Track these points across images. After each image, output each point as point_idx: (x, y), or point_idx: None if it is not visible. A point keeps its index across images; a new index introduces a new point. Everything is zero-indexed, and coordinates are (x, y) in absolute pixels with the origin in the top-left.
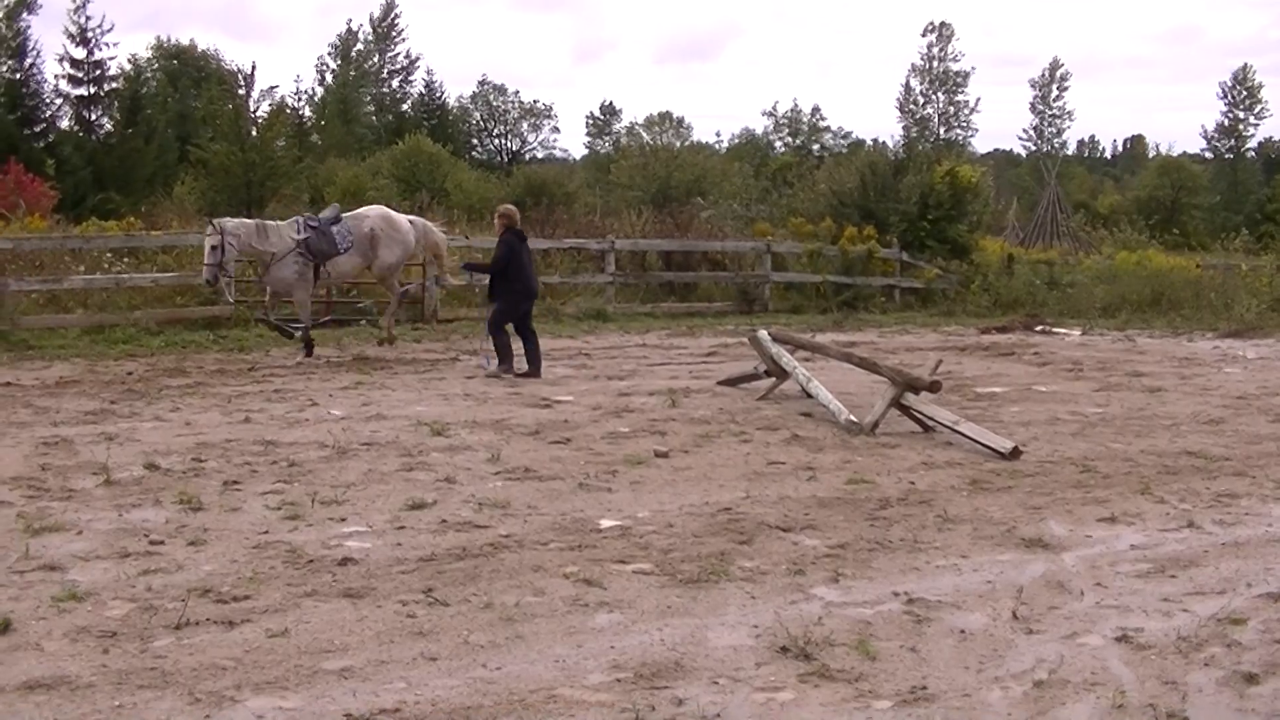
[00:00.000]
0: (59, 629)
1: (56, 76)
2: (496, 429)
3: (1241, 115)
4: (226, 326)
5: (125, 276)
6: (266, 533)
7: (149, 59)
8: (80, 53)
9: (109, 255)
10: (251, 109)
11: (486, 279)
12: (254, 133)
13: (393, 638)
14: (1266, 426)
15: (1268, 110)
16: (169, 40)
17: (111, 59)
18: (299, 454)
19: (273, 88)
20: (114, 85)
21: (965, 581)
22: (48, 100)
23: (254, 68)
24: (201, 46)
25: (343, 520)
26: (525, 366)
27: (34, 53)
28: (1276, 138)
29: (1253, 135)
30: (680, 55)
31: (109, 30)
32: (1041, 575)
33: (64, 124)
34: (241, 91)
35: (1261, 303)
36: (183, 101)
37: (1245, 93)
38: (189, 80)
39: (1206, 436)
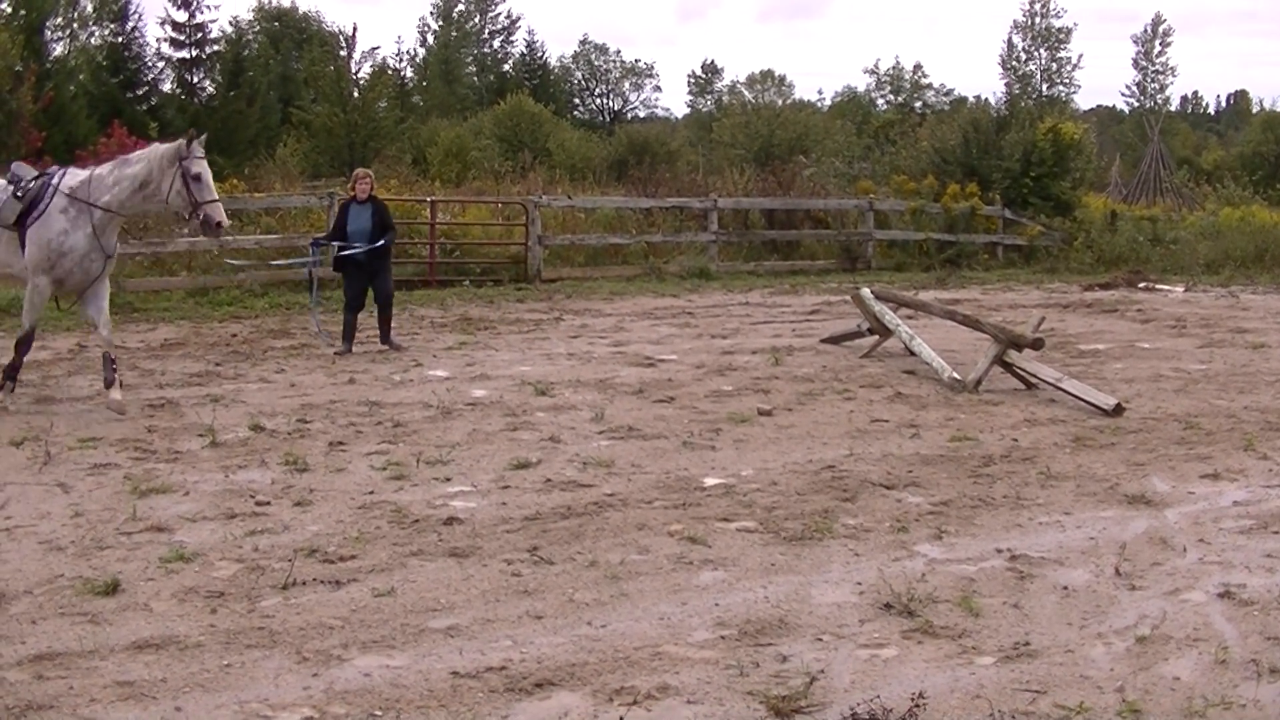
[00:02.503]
0: (167, 589)
1: (158, 40)
2: (600, 388)
3: None
4: (331, 288)
5: (229, 239)
6: (372, 493)
7: (250, 21)
8: (181, 16)
9: None
10: (353, 70)
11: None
12: (356, 94)
13: (498, 596)
14: None
15: None
16: (270, 2)
17: (213, 21)
18: (403, 414)
19: (374, 49)
20: (216, 48)
21: (1068, 538)
22: (150, 63)
23: (355, 29)
24: (303, 8)
25: (448, 480)
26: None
27: (135, 16)
28: None
29: None
30: (784, 13)
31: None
32: (1144, 532)
33: (166, 87)
34: (343, 53)
35: None
36: (284, 64)
37: None
38: (290, 42)
39: None
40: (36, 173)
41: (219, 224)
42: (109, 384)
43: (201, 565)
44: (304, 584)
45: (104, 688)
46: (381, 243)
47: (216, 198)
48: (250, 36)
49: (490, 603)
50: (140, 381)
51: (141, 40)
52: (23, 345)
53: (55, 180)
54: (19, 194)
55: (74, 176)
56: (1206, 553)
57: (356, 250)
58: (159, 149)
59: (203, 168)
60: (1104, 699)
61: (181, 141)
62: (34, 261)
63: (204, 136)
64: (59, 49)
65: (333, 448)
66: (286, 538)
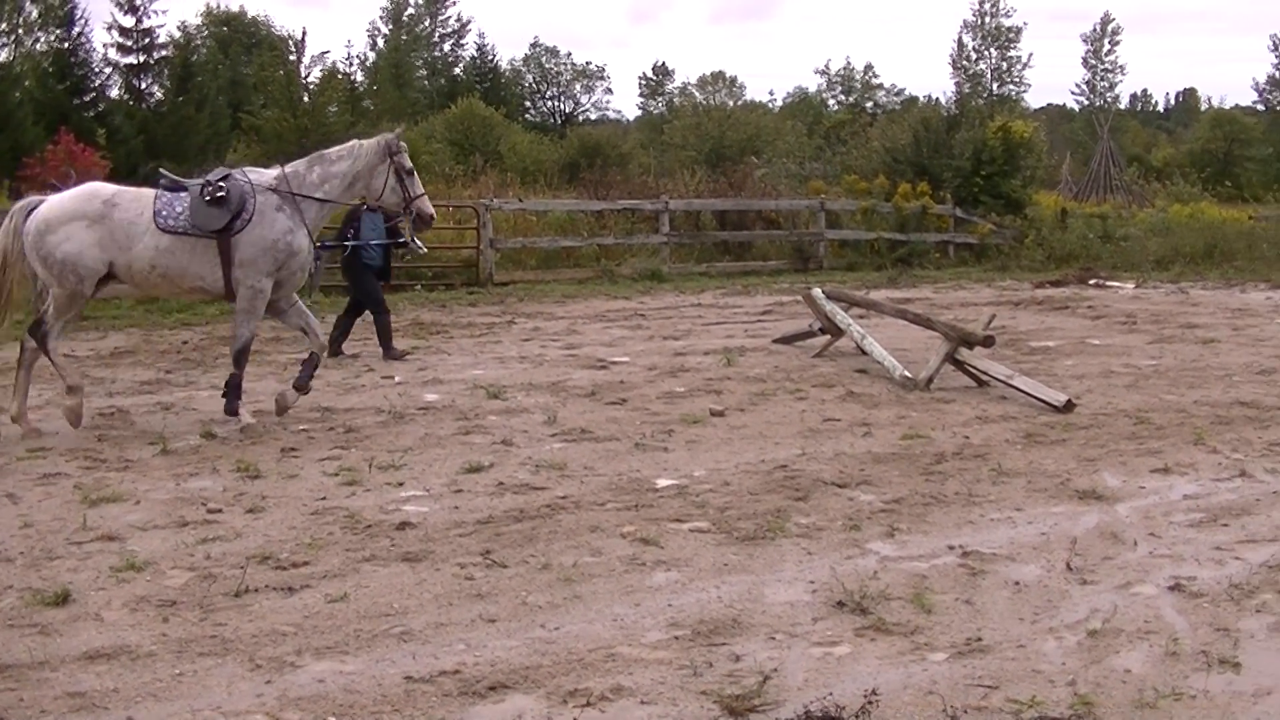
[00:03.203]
0: (118, 599)
1: (105, 45)
2: (553, 391)
3: None
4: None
5: None
6: (324, 499)
7: (199, 26)
8: (129, 21)
9: None
10: (303, 75)
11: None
12: (306, 99)
13: (451, 600)
14: None
15: None
16: (219, 7)
17: (161, 27)
18: (356, 420)
19: (324, 53)
20: (164, 53)
21: (1020, 534)
22: (97, 69)
23: (305, 33)
24: (252, 13)
25: (400, 485)
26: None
27: (82, 22)
28: None
29: None
30: (735, 14)
31: None
32: (1095, 526)
33: (114, 93)
34: (293, 57)
35: None
36: (234, 68)
37: None
38: (240, 47)
39: (1259, 386)
40: (220, 174)
41: (431, 217)
42: (301, 386)
43: (153, 574)
44: (256, 591)
45: (55, 699)
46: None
47: (424, 191)
48: (199, 41)
49: (443, 607)
50: (91, 390)
51: (88, 46)
52: (244, 356)
53: (248, 180)
54: (212, 197)
55: (263, 176)
56: (1157, 546)
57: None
58: (362, 145)
59: (410, 162)
60: (1056, 692)
61: (390, 137)
62: (255, 265)
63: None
64: (3, 55)
65: (285, 454)
66: (239, 545)
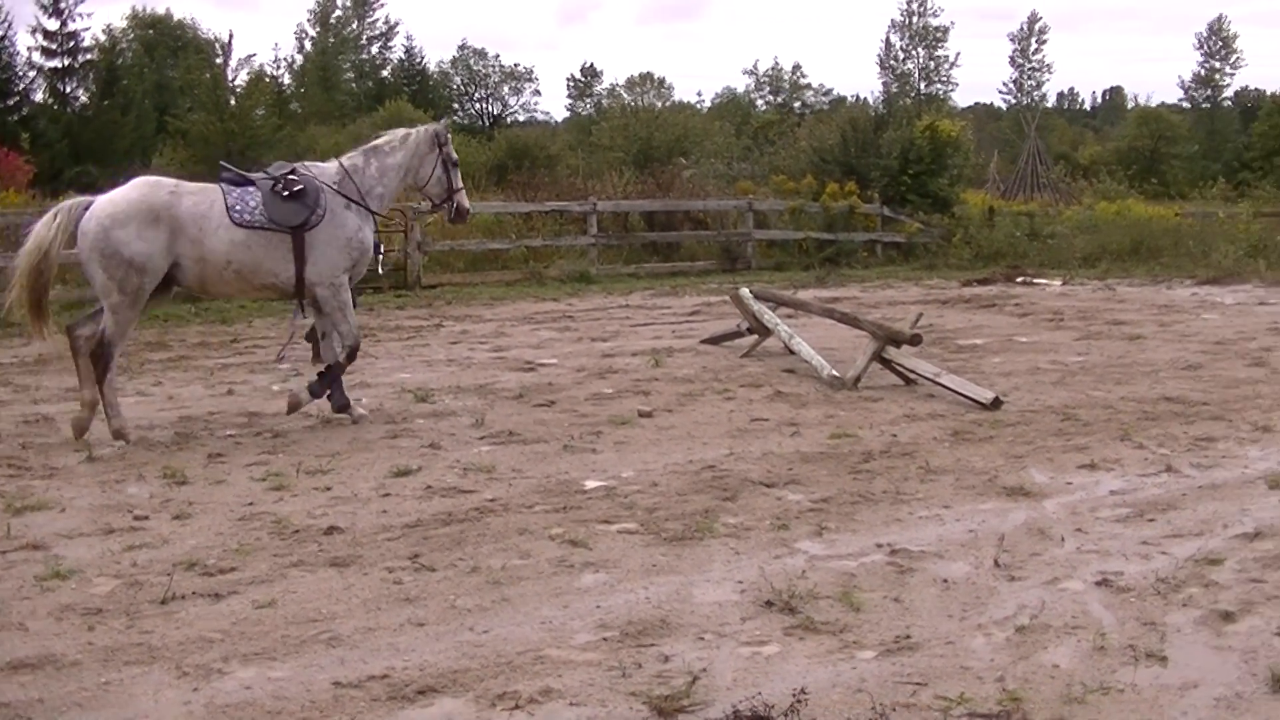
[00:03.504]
0: (43, 608)
1: (29, 49)
2: (481, 393)
3: (1218, 65)
4: (208, 299)
5: None
6: (252, 504)
7: (124, 29)
8: (53, 24)
9: None
10: (230, 78)
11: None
12: (233, 102)
13: (380, 605)
14: (1243, 371)
15: (1243, 60)
16: (145, 10)
17: (86, 30)
18: (283, 424)
19: (251, 56)
20: (89, 57)
21: (948, 531)
22: (20, 73)
23: (231, 36)
24: (178, 16)
25: (328, 489)
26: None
27: (5, 25)
28: (1253, 87)
29: (1229, 85)
30: (663, 15)
31: (82, 1)
32: (1023, 523)
33: (38, 97)
34: (219, 60)
35: (1239, 249)
36: (160, 72)
37: (1221, 43)
38: (166, 50)
39: (1185, 382)
40: (284, 169)
41: (468, 211)
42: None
43: (79, 582)
44: (184, 598)
45: None
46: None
47: (463, 186)
48: (124, 45)
49: (372, 611)
50: (14, 397)
51: (11, 49)
52: (355, 353)
53: (312, 175)
54: (289, 192)
55: (324, 170)
56: (1084, 542)
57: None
58: (412, 134)
59: (455, 154)
60: (984, 689)
61: (438, 126)
62: (333, 263)
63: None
64: None
65: (212, 460)
66: (165, 552)
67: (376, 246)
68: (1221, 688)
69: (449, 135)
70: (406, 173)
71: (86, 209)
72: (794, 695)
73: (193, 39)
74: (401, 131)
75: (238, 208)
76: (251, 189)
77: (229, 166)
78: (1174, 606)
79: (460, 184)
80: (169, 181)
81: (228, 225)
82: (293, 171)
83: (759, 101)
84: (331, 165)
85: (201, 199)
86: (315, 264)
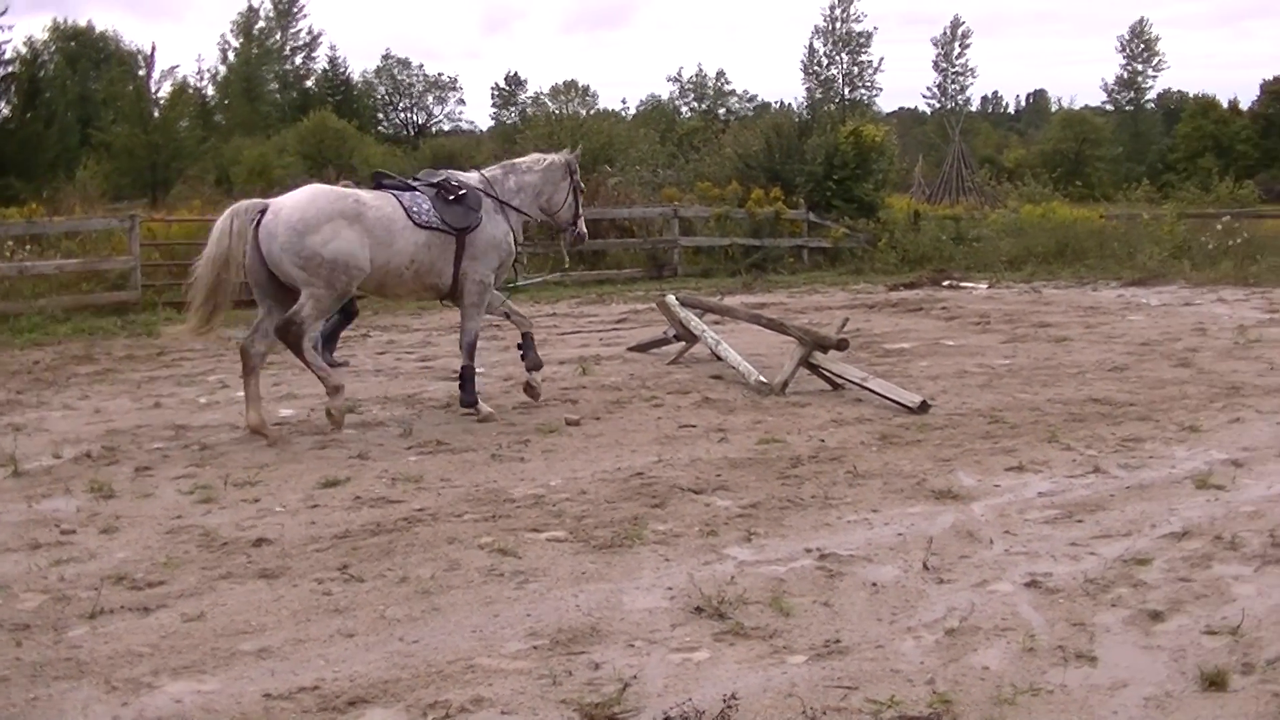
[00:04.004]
0: None
1: None
2: (408, 403)
3: (1140, 68)
4: (135, 311)
5: (29, 264)
6: (180, 517)
7: (46, 41)
8: None
9: (10, 243)
10: (153, 90)
11: None
12: (157, 114)
13: (309, 616)
14: (1169, 371)
15: (1165, 63)
16: (67, 22)
17: (6, 42)
18: (211, 437)
19: (174, 68)
20: (10, 69)
21: (876, 535)
22: None
23: (154, 48)
24: (100, 28)
25: (256, 501)
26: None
27: None
28: (1175, 89)
29: (1151, 87)
30: (587, 23)
31: (2, 13)
32: (951, 526)
33: None
34: (142, 72)
35: (1164, 250)
36: (83, 84)
37: (1143, 46)
38: (88, 62)
39: (1112, 383)
40: (435, 176)
41: (585, 236)
42: (534, 365)
43: (5, 597)
44: (112, 612)
45: None
46: None
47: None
48: (46, 57)
49: (301, 623)
50: None
51: None
52: (474, 348)
53: (465, 183)
54: (456, 196)
55: (467, 179)
56: (1013, 544)
57: None
58: (550, 159)
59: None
60: (915, 691)
61: (571, 156)
62: (484, 262)
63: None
64: None
65: (139, 473)
66: (93, 566)
67: (517, 256)
68: (1151, 687)
69: (578, 164)
70: (539, 194)
71: (261, 212)
72: (724, 701)
73: (115, 51)
74: (539, 155)
75: (415, 210)
76: (417, 194)
77: (389, 174)
78: (1103, 607)
79: (581, 210)
80: (337, 189)
81: (411, 227)
82: (448, 178)
83: (683, 108)
84: (473, 176)
85: (382, 203)
86: (471, 262)
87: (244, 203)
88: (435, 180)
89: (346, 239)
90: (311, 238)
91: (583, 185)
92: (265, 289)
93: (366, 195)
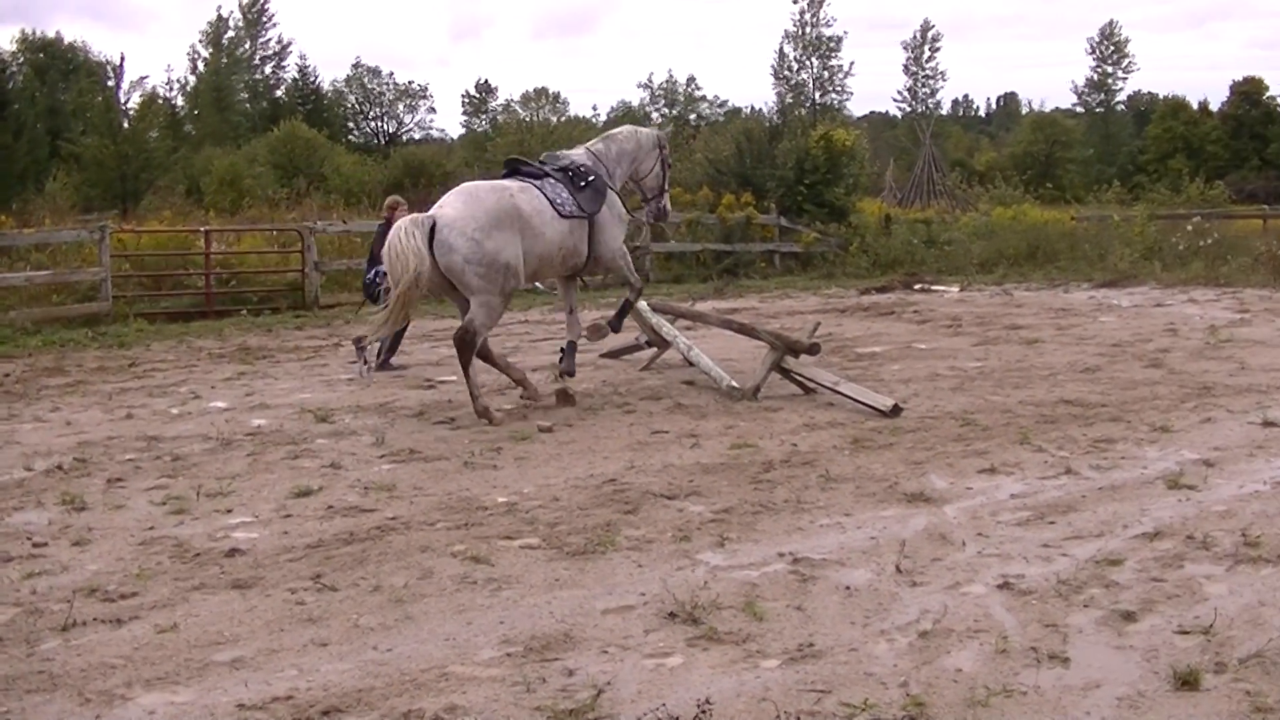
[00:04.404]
0: None
1: None
2: (381, 412)
3: (1110, 70)
4: (105, 323)
5: None
6: (152, 529)
7: (14, 53)
8: None
9: None
10: (122, 101)
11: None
12: (126, 125)
13: (283, 626)
14: (1141, 372)
15: (1135, 64)
16: (35, 33)
17: None
18: (183, 448)
19: (143, 78)
20: None
21: (849, 539)
22: None
23: (123, 59)
24: (68, 39)
25: (229, 512)
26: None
27: None
28: (1145, 90)
29: (1122, 89)
30: (557, 30)
31: None
32: (924, 528)
33: None
34: (111, 83)
35: (1135, 252)
36: (52, 96)
37: (1113, 47)
38: (57, 74)
39: (1083, 385)
40: (558, 161)
41: (668, 212)
42: (568, 373)
43: None
44: (84, 624)
45: None
46: None
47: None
48: (14, 69)
49: (275, 633)
50: None
51: None
52: (640, 293)
53: (587, 166)
54: (587, 184)
55: (574, 156)
56: (985, 546)
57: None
58: (639, 130)
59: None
60: (888, 694)
61: (661, 132)
62: (618, 238)
63: None
64: None
65: (111, 485)
66: (65, 578)
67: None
68: (1124, 687)
69: (668, 141)
70: (634, 161)
71: (433, 224)
72: (698, 706)
73: (84, 62)
74: (632, 127)
75: (558, 201)
76: (554, 182)
77: (525, 160)
78: (1075, 608)
79: (668, 186)
80: (499, 184)
81: (556, 218)
82: (573, 163)
83: (654, 114)
84: (579, 151)
85: (531, 197)
86: (607, 242)
87: (413, 218)
88: (562, 165)
89: (513, 243)
90: (489, 244)
91: (670, 160)
92: (447, 290)
93: (515, 189)
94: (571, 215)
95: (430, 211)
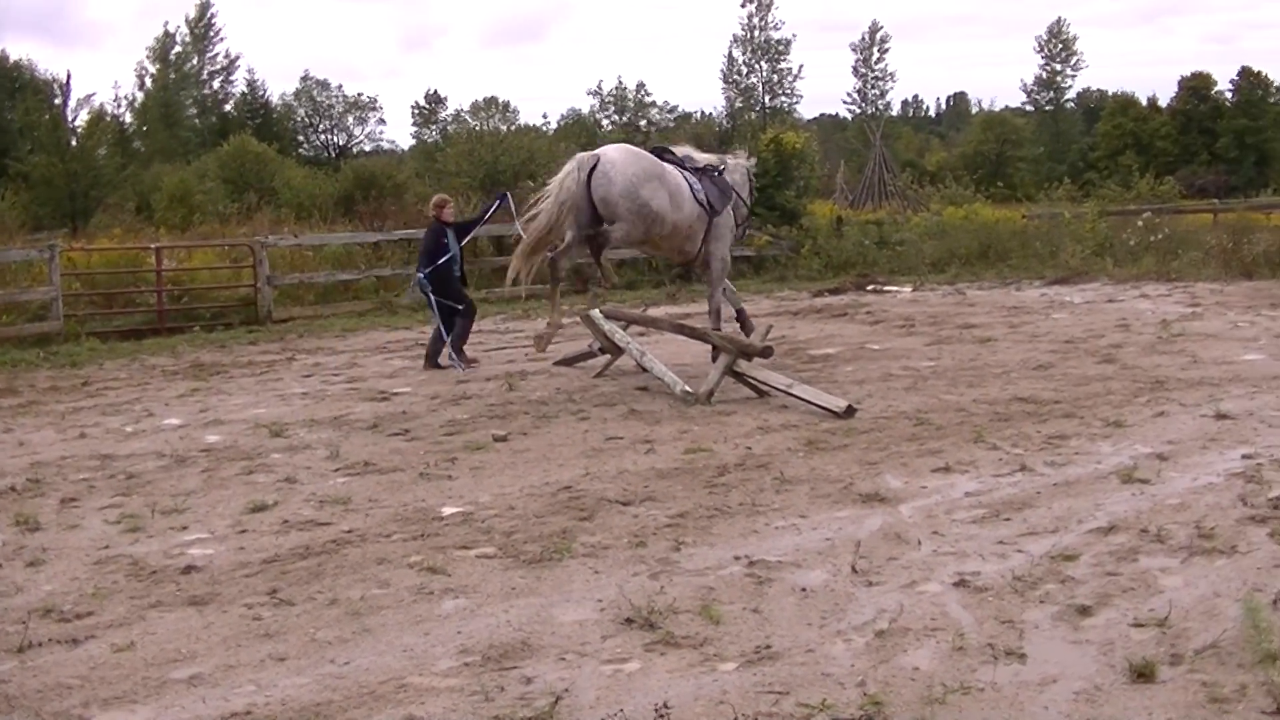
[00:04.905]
0: None
1: None
2: (335, 425)
3: (1059, 68)
4: (57, 342)
5: None
6: (107, 547)
7: None
8: None
9: None
10: (70, 118)
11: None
12: (74, 142)
13: (240, 641)
14: (1093, 368)
15: (1084, 62)
16: None
17: None
18: (137, 465)
19: (91, 95)
20: None
21: (805, 540)
22: None
23: (70, 76)
24: (14, 56)
25: (184, 528)
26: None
27: None
28: (1094, 88)
29: (1071, 86)
30: (507, 39)
31: None
32: (879, 528)
33: None
34: (58, 101)
35: (1086, 248)
36: None
37: (1061, 45)
38: (2, 92)
39: (1036, 382)
40: (695, 162)
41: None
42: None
43: None
44: (40, 645)
45: None
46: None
47: None
48: None
49: (232, 648)
50: None
51: None
52: (720, 316)
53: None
54: (715, 184)
55: (710, 162)
56: (941, 544)
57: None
58: (738, 160)
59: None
60: (846, 694)
61: (752, 164)
62: (727, 243)
63: None
64: None
65: (65, 504)
66: (20, 599)
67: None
68: (1081, 681)
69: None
70: (739, 189)
71: (595, 161)
72: (657, 711)
73: (30, 80)
74: (735, 160)
75: (696, 187)
76: (693, 173)
77: (669, 148)
78: (1031, 604)
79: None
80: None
81: (692, 200)
82: (710, 165)
83: (604, 121)
84: (710, 157)
85: (678, 174)
86: (718, 242)
87: (583, 155)
88: (700, 165)
89: (662, 197)
90: (644, 189)
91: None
92: (583, 222)
93: (666, 163)
94: (701, 205)
95: (593, 153)
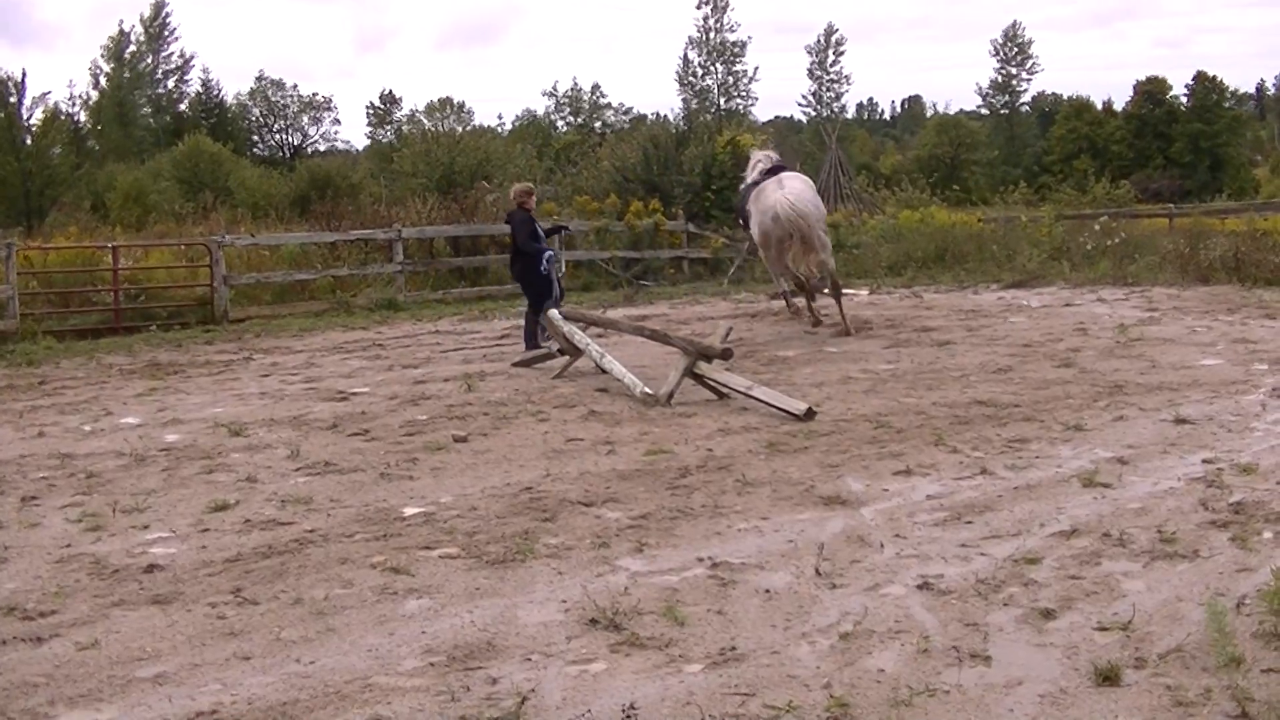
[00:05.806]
0: None
1: None
2: (294, 425)
3: (1014, 71)
4: (13, 341)
5: None
6: (69, 546)
7: None
8: None
9: None
10: (24, 117)
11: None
12: (29, 141)
13: (204, 640)
14: (1052, 371)
15: (1039, 65)
16: None
17: None
18: (97, 464)
19: (45, 94)
20: None
21: (767, 542)
22: None
23: (24, 75)
24: None
25: (146, 527)
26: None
27: None
28: (1049, 91)
29: (1026, 90)
30: (461, 40)
31: None
32: (842, 531)
33: None
34: (13, 100)
35: (1042, 252)
36: None
37: (1016, 49)
38: None
39: (995, 385)
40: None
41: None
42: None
43: None
44: (4, 643)
45: None
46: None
47: None
48: None
49: (196, 647)
50: None
51: None
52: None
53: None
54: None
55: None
56: (903, 547)
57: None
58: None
59: None
60: (812, 696)
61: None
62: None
63: None
64: None
65: (25, 503)
66: None
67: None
68: (1045, 684)
69: None
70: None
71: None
72: (623, 712)
73: None
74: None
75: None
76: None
77: (779, 162)
78: (995, 606)
79: None
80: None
81: (820, 219)
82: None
83: (559, 123)
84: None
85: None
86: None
87: (785, 196)
88: (804, 177)
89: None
90: (823, 209)
91: None
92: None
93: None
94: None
95: (782, 191)
